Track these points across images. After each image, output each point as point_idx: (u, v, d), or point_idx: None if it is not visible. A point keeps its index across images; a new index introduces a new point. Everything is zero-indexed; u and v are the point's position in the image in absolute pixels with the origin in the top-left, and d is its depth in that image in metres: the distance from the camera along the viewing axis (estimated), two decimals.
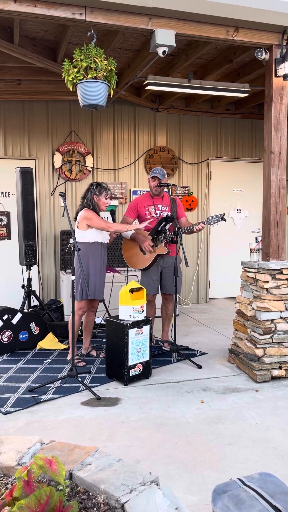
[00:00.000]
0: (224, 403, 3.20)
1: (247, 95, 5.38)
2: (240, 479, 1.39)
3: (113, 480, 1.39)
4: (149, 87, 4.95)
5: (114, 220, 3.99)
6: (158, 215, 4.27)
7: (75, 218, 4.01)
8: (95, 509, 1.28)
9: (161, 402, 3.22)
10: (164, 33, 3.33)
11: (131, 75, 4.86)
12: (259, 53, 3.68)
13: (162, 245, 4.15)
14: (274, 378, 3.63)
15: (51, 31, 4.11)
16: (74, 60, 3.25)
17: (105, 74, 3.23)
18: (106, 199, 3.92)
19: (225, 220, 3.92)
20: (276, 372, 3.63)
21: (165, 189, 4.29)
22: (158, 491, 1.33)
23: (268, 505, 1.24)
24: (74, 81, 3.26)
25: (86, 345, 4.26)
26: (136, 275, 5.15)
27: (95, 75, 3.18)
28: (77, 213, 3.98)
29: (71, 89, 3.36)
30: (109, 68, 3.27)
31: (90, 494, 1.37)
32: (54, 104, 5.92)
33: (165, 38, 3.33)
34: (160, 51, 3.38)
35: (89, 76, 3.20)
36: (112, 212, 4.01)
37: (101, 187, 3.92)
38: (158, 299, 4.50)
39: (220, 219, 3.88)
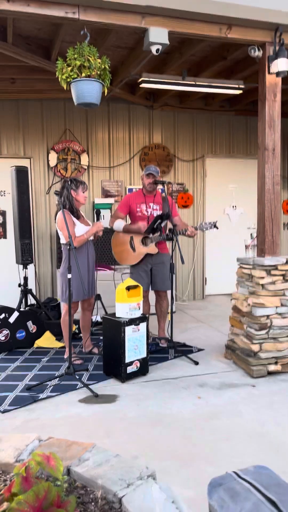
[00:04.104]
0: (221, 398, 3.23)
1: (241, 92, 5.39)
2: (235, 472, 1.41)
3: (111, 475, 1.41)
4: (143, 85, 4.95)
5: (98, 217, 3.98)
6: (149, 213, 4.30)
7: (55, 218, 3.98)
8: (93, 503, 1.30)
9: (158, 398, 3.25)
10: (157, 31, 3.34)
11: (125, 73, 4.87)
12: (252, 50, 3.69)
13: (152, 244, 4.17)
14: (270, 373, 3.66)
15: (44, 30, 4.11)
16: (67, 59, 3.26)
17: (98, 72, 3.23)
18: (83, 192, 3.90)
19: (217, 228, 3.96)
20: (272, 367, 3.66)
21: (160, 187, 4.31)
22: (155, 485, 1.35)
23: (262, 497, 1.27)
24: (68, 79, 3.26)
25: (87, 343, 4.27)
26: (133, 272, 5.16)
27: (88, 73, 3.19)
28: (56, 214, 3.94)
29: (65, 88, 3.36)
30: (103, 66, 3.27)
31: (88, 489, 1.39)
32: (48, 103, 5.92)
33: (158, 36, 3.33)
34: (153, 49, 3.39)
35: (83, 74, 3.21)
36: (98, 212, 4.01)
37: (76, 181, 3.88)
38: (152, 297, 4.53)
39: (213, 227, 3.94)
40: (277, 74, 3.65)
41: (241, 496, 1.28)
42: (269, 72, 3.70)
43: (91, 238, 3.97)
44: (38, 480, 1.24)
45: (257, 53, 3.70)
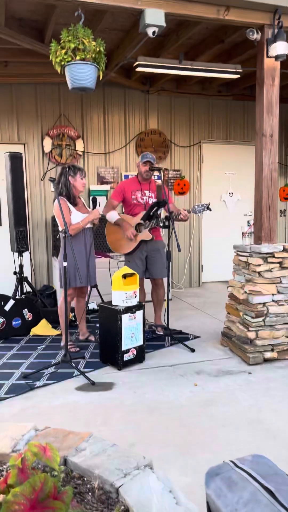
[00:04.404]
0: (217, 385, 3.24)
1: (238, 76, 5.30)
2: (232, 461, 1.41)
3: (108, 465, 1.40)
4: (139, 69, 4.86)
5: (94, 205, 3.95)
6: (145, 200, 4.26)
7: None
8: (90, 493, 1.30)
9: (155, 386, 3.25)
10: (153, 12, 3.25)
11: (120, 57, 4.77)
12: (251, 33, 3.61)
13: (146, 231, 4.14)
14: (266, 360, 3.68)
15: (38, 12, 4.00)
16: (61, 41, 3.17)
17: (93, 55, 3.15)
18: (82, 179, 3.86)
19: (210, 210, 3.93)
20: (268, 355, 3.67)
21: (157, 173, 4.26)
22: (152, 474, 1.35)
23: (260, 487, 1.26)
24: (62, 63, 3.18)
25: (83, 331, 4.26)
26: (129, 260, 5.13)
27: (83, 56, 3.11)
28: (54, 201, 3.90)
29: (59, 72, 3.29)
30: (98, 49, 3.19)
31: (85, 479, 1.38)
32: (42, 87, 5.81)
33: (154, 18, 3.25)
34: (150, 31, 3.31)
35: (77, 57, 3.13)
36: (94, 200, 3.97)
37: (75, 167, 3.86)
38: (148, 285, 4.52)
39: (206, 209, 3.91)
40: (276, 57, 3.58)
41: (238, 485, 1.28)
42: (267, 56, 3.63)
43: (89, 225, 3.92)
44: (34, 471, 1.23)
45: (255, 36, 3.62)
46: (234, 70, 5.01)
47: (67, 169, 3.84)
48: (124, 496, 1.25)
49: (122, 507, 1.22)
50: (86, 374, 3.37)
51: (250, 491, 1.25)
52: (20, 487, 1.10)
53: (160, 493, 1.26)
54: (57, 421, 2.72)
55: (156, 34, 3.33)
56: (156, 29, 3.30)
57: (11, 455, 1.47)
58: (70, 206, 3.80)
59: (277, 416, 2.77)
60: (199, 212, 3.94)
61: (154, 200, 4.26)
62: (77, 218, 3.79)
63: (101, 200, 6.03)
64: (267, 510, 1.18)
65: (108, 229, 4.31)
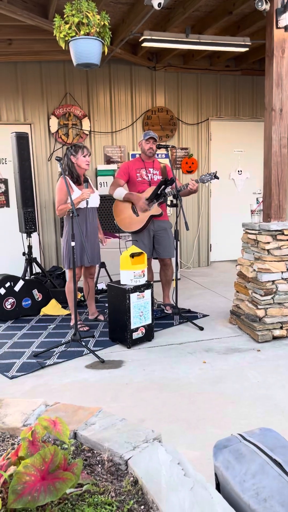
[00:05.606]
0: (226, 363, 3.26)
1: (247, 49, 5.16)
2: (240, 434, 1.42)
3: (117, 438, 1.42)
4: (145, 44, 4.75)
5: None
6: (150, 178, 4.22)
7: None
8: (99, 466, 1.32)
9: (164, 363, 3.28)
10: None
11: (126, 31, 4.65)
12: (260, 3, 3.49)
13: (155, 205, 4.13)
14: (275, 338, 3.68)
15: None
16: (65, 16, 3.10)
17: (98, 30, 3.08)
18: (84, 157, 3.83)
19: (217, 178, 3.92)
20: (277, 332, 3.67)
21: (164, 151, 4.21)
22: (160, 447, 1.36)
23: (268, 459, 1.27)
24: (66, 38, 3.12)
25: (93, 310, 4.29)
26: (137, 240, 5.12)
27: (87, 31, 3.04)
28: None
29: (63, 47, 3.23)
30: (102, 23, 3.12)
31: (95, 452, 1.40)
32: (47, 65, 5.71)
33: None
34: (155, 3, 3.22)
35: (82, 32, 3.06)
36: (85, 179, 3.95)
37: (75, 146, 3.85)
38: (156, 265, 4.51)
39: (213, 177, 3.89)
40: (286, 28, 3.47)
41: (246, 457, 1.29)
42: (277, 27, 3.51)
43: (92, 205, 3.88)
44: (44, 443, 1.25)
45: (264, 6, 3.49)
46: (243, 42, 4.87)
47: (69, 148, 3.87)
48: (133, 468, 1.27)
49: (131, 478, 1.24)
50: (95, 352, 3.41)
51: (258, 463, 1.26)
52: (30, 458, 1.12)
53: (169, 465, 1.27)
54: (68, 398, 2.76)
55: (162, 6, 3.24)
56: (162, 1, 3.21)
57: (22, 429, 1.50)
58: (73, 185, 3.79)
59: (286, 392, 2.78)
60: (207, 181, 3.92)
61: (159, 177, 4.23)
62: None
63: (108, 181, 5.99)
64: (276, 482, 1.19)
65: (116, 209, 4.29)
